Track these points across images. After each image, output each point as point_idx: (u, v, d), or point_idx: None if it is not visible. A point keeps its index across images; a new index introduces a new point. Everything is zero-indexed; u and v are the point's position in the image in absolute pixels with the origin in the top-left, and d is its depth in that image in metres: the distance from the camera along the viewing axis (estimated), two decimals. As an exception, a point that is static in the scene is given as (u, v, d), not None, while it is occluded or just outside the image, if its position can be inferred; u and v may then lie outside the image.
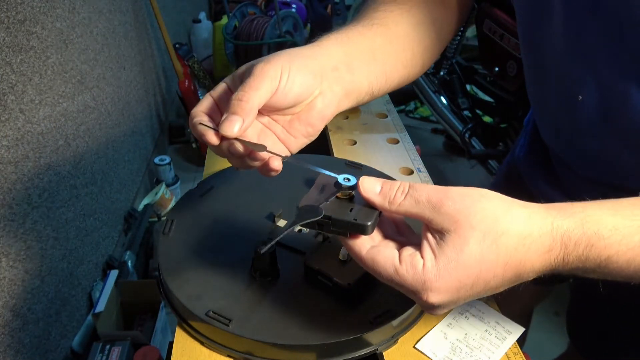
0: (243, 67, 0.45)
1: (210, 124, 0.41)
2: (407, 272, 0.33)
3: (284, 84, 0.42)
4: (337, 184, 0.38)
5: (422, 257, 0.33)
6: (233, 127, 0.39)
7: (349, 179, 0.38)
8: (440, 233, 0.33)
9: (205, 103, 0.44)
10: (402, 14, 0.54)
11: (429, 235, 0.34)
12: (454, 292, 0.33)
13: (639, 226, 0.32)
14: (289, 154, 0.46)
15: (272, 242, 0.40)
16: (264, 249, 0.42)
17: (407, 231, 0.40)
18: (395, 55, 0.53)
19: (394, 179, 0.65)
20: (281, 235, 0.38)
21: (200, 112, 0.43)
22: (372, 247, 0.36)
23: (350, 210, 0.37)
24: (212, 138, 0.41)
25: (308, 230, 0.55)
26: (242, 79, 0.43)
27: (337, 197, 0.38)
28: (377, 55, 0.51)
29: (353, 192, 0.38)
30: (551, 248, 0.33)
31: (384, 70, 0.52)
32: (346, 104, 0.48)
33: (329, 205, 0.37)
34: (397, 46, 0.53)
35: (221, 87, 0.45)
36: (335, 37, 0.49)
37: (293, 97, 0.43)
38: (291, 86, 0.42)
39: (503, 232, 0.32)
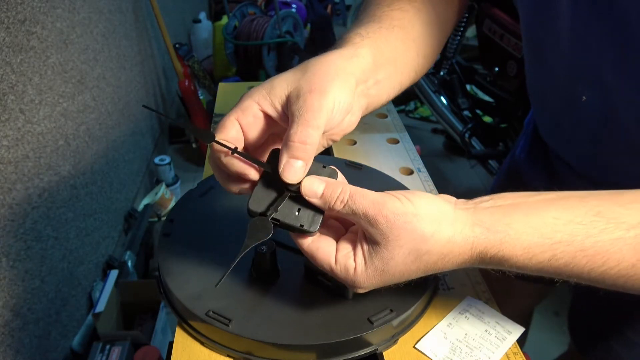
0: (285, 87, 0.40)
1: (242, 156, 0.38)
2: (340, 272, 0.38)
3: (335, 114, 0.39)
4: (286, 186, 0.38)
5: (354, 260, 0.38)
6: (297, 174, 0.37)
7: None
8: (372, 243, 0.37)
9: (233, 131, 0.39)
10: (416, 13, 0.53)
11: (363, 242, 0.38)
12: (377, 287, 0.39)
13: (550, 244, 0.36)
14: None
15: (226, 272, 0.38)
16: (219, 281, 0.38)
17: (345, 221, 0.42)
18: (410, 62, 0.52)
19: (394, 179, 0.65)
20: (236, 261, 0.39)
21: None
22: (313, 241, 0.39)
23: (298, 212, 0.39)
24: (253, 174, 0.39)
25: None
26: (282, 104, 0.39)
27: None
28: (398, 64, 0.49)
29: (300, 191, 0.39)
30: (468, 261, 0.37)
31: (401, 80, 0.51)
32: (363, 114, 0.47)
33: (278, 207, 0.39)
34: (413, 52, 0.52)
35: (251, 108, 0.40)
36: (367, 42, 0.46)
37: (337, 123, 0.41)
38: (339, 115, 0.40)
39: (427, 251, 0.36)
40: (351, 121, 0.44)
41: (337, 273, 0.38)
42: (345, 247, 0.39)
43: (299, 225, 0.38)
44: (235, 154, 0.39)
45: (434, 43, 0.55)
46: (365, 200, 0.36)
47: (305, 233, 0.39)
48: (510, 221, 0.36)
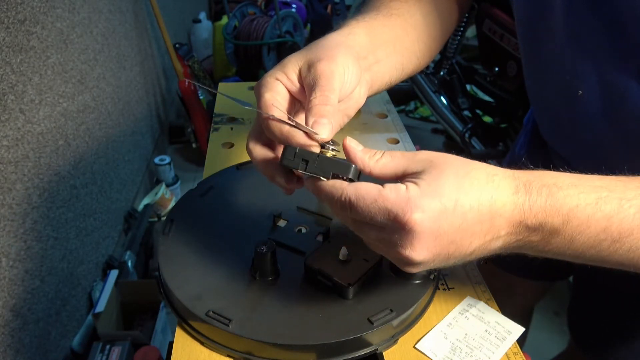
0: (295, 63, 0.43)
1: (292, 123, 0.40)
2: (391, 192, 0.35)
3: (346, 81, 0.42)
4: (322, 145, 0.40)
5: (404, 184, 0.36)
6: (326, 128, 0.39)
7: (331, 142, 0.41)
8: (416, 175, 0.36)
9: (277, 110, 0.41)
10: (415, 4, 0.56)
11: (406, 178, 0.37)
12: (437, 216, 0.34)
13: (593, 187, 0.36)
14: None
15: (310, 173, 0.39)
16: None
17: None
18: (411, 47, 0.54)
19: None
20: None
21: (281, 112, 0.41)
22: (351, 185, 0.37)
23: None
24: (303, 139, 0.39)
25: (308, 230, 0.55)
26: (297, 76, 0.42)
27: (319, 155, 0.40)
28: (396, 46, 0.52)
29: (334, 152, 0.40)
30: (517, 190, 0.36)
31: (402, 62, 0.53)
32: (368, 93, 0.49)
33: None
34: (413, 38, 0.54)
35: (277, 86, 0.42)
36: (363, 24, 0.50)
37: (349, 91, 0.43)
38: (351, 81, 0.43)
39: (472, 169, 0.37)
40: (360, 94, 0.46)
41: (386, 194, 0.35)
42: (389, 184, 0.36)
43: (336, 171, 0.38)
44: (289, 120, 0.40)
45: (435, 33, 0.57)
46: (400, 152, 0.39)
47: (344, 170, 0.38)
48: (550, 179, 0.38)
